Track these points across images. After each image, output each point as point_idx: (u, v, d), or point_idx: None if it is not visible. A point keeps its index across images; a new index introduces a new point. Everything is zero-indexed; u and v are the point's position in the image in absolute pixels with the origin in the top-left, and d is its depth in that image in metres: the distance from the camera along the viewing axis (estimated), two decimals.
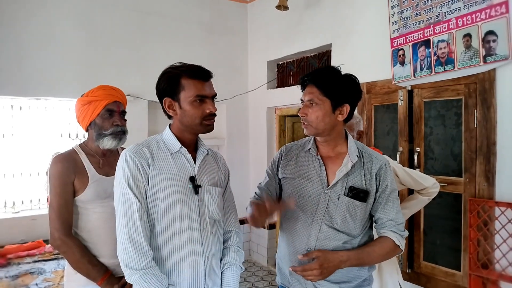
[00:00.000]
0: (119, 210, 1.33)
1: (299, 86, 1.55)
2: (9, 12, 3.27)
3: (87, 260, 1.63)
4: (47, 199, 3.63)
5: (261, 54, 4.57)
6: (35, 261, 2.75)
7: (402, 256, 2.84)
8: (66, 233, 1.63)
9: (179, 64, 1.42)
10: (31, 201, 3.59)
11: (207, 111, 1.39)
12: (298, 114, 1.52)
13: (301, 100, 1.52)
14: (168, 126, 1.48)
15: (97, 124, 1.72)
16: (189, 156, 1.43)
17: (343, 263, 1.40)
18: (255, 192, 1.79)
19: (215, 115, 1.43)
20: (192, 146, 1.48)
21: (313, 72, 1.52)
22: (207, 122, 1.41)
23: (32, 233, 3.23)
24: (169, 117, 1.46)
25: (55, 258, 2.80)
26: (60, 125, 3.71)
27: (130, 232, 1.29)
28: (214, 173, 1.52)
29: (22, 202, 3.57)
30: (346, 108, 1.48)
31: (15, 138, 3.55)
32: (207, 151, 1.52)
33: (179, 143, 1.42)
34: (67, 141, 3.72)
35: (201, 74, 1.40)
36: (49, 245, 2.98)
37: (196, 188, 1.40)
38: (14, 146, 3.56)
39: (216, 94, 1.45)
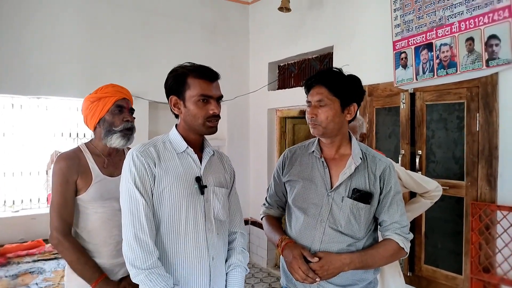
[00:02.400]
0: (125, 209, 1.32)
1: (301, 87, 1.55)
2: (10, 9, 3.24)
3: (83, 261, 1.61)
4: (47, 198, 3.65)
5: (263, 55, 4.57)
6: (34, 261, 2.74)
7: (403, 260, 2.84)
8: (64, 232, 1.62)
9: (188, 63, 1.42)
10: (30, 200, 3.58)
11: (211, 111, 1.38)
12: (306, 116, 1.51)
13: (308, 102, 1.52)
14: (174, 126, 1.47)
15: (107, 120, 1.71)
16: (195, 156, 1.43)
17: (346, 265, 1.40)
18: (266, 199, 1.79)
19: (219, 116, 1.42)
20: (198, 147, 1.48)
21: (320, 73, 1.53)
22: (210, 124, 1.40)
23: (31, 233, 3.22)
24: (176, 116, 1.46)
25: (55, 258, 2.79)
26: (61, 124, 3.71)
27: (136, 231, 1.28)
28: (220, 174, 1.51)
29: (22, 201, 3.56)
30: (354, 107, 1.50)
31: (16, 137, 3.55)
32: (213, 151, 1.52)
33: (185, 143, 1.42)
34: (68, 141, 3.72)
35: (208, 75, 1.40)
36: (49, 244, 2.97)
37: (201, 188, 1.40)
38: (14, 145, 3.56)
39: (222, 96, 1.44)
